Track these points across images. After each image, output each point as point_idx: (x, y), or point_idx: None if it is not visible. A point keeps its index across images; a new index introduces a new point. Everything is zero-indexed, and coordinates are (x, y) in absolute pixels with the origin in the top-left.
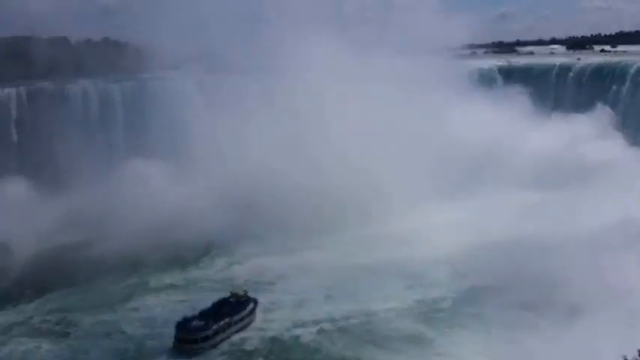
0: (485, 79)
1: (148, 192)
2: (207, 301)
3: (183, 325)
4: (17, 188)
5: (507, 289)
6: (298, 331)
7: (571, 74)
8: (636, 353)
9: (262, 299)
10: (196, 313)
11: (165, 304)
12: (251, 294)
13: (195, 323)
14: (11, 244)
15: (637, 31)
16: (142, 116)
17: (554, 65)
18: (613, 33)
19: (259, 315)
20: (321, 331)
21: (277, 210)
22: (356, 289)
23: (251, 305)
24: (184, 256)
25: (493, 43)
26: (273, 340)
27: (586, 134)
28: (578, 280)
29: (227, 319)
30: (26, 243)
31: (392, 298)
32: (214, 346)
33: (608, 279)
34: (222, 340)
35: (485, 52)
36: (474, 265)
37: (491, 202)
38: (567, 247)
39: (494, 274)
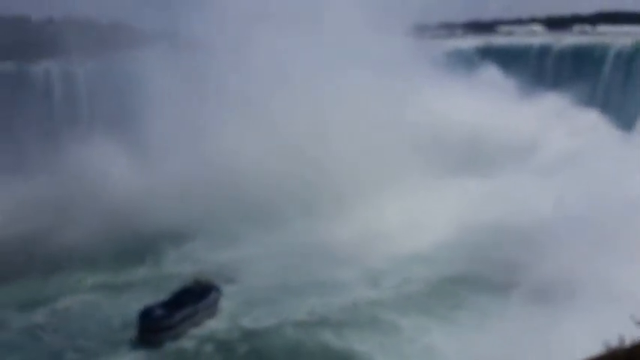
0: (463, 60)
1: (110, 178)
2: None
3: (146, 314)
4: None
5: (481, 276)
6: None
7: (551, 55)
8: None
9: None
10: (158, 302)
11: (96, 305)
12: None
13: (158, 312)
14: None
15: (616, 12)
16: (106, 99)
17: (535, 46)
18: (593, 13)
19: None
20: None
21: (245, 199)
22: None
23: (215, 293)
24: (137, 251)
25: (470, 22)
26: (240, 329)
27: (564, 116)
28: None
29: (191, 307)
30: None
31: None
32: (178, 336)
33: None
34: (187, 329)
35: (464, 32)
36: (445, 255)
37: (459, 190)
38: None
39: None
